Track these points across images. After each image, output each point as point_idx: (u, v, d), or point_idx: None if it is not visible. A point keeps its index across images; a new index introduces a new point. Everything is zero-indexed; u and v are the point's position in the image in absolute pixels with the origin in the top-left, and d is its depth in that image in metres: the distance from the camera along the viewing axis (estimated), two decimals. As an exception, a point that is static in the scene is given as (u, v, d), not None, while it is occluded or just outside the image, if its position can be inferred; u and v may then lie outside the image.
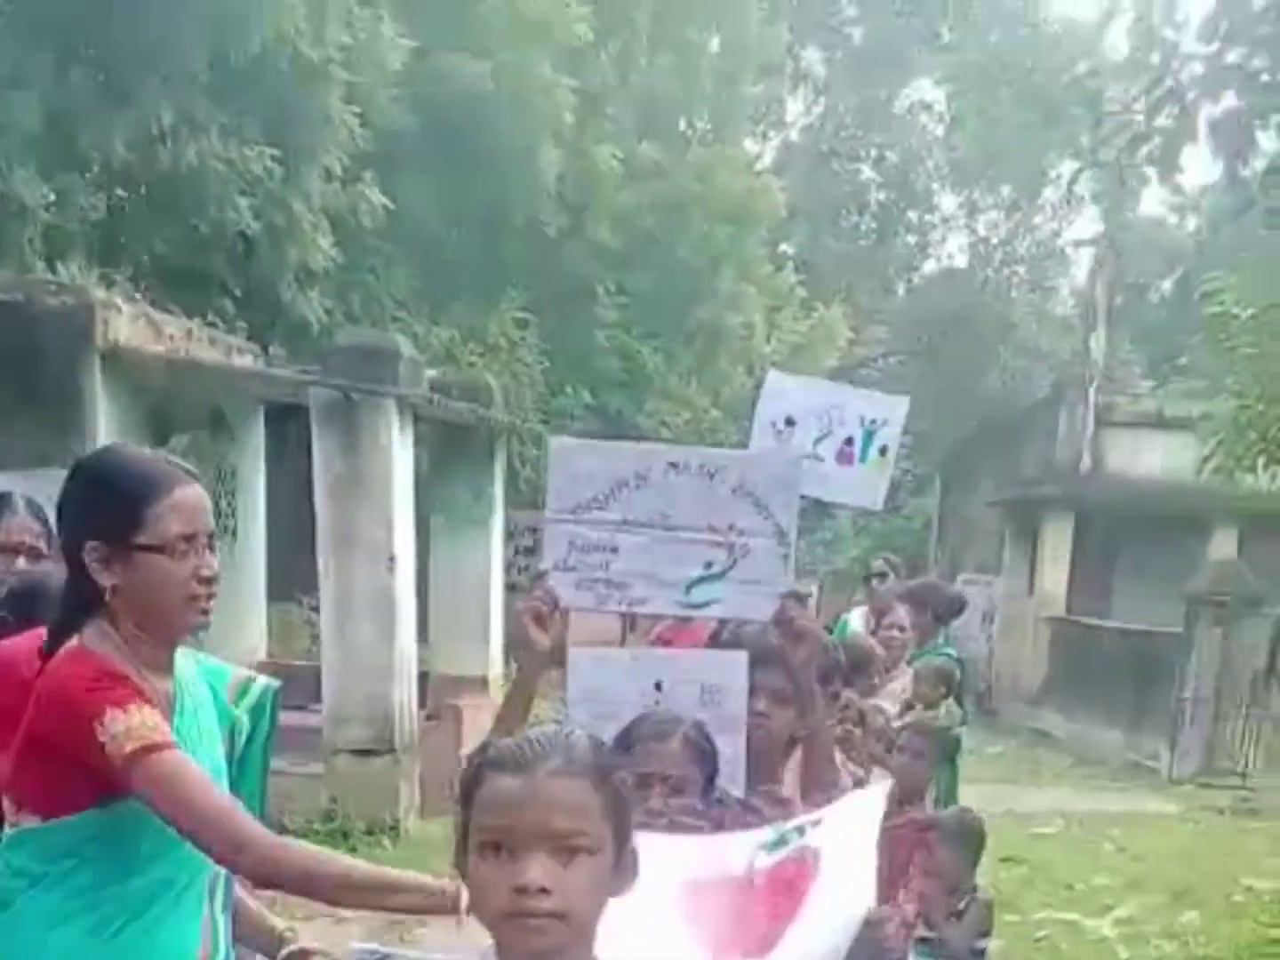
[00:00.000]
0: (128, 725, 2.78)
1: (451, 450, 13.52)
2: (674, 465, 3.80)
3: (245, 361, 12.41)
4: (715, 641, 4.22)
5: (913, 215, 37.40)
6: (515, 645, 3.61)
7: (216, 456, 11.95)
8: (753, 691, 3.82)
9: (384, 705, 10.84)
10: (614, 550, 3.76)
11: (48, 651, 2.95)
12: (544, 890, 2.04)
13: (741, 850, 3.51)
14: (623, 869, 2.18)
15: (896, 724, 7.24)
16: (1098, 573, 24.58)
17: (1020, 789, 17.10)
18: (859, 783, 4.47)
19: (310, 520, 10.73)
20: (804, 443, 4.48)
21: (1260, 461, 11.20)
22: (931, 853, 5.96)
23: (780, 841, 3.52)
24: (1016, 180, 32.82)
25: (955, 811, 6.43)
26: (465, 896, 2.43)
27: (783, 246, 30.30)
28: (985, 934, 6.20)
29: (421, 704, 11.66)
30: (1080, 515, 24.15)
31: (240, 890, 3.26)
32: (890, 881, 4.84)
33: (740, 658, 3.81)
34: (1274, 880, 11.56)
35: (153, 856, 2.93)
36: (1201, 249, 27.92)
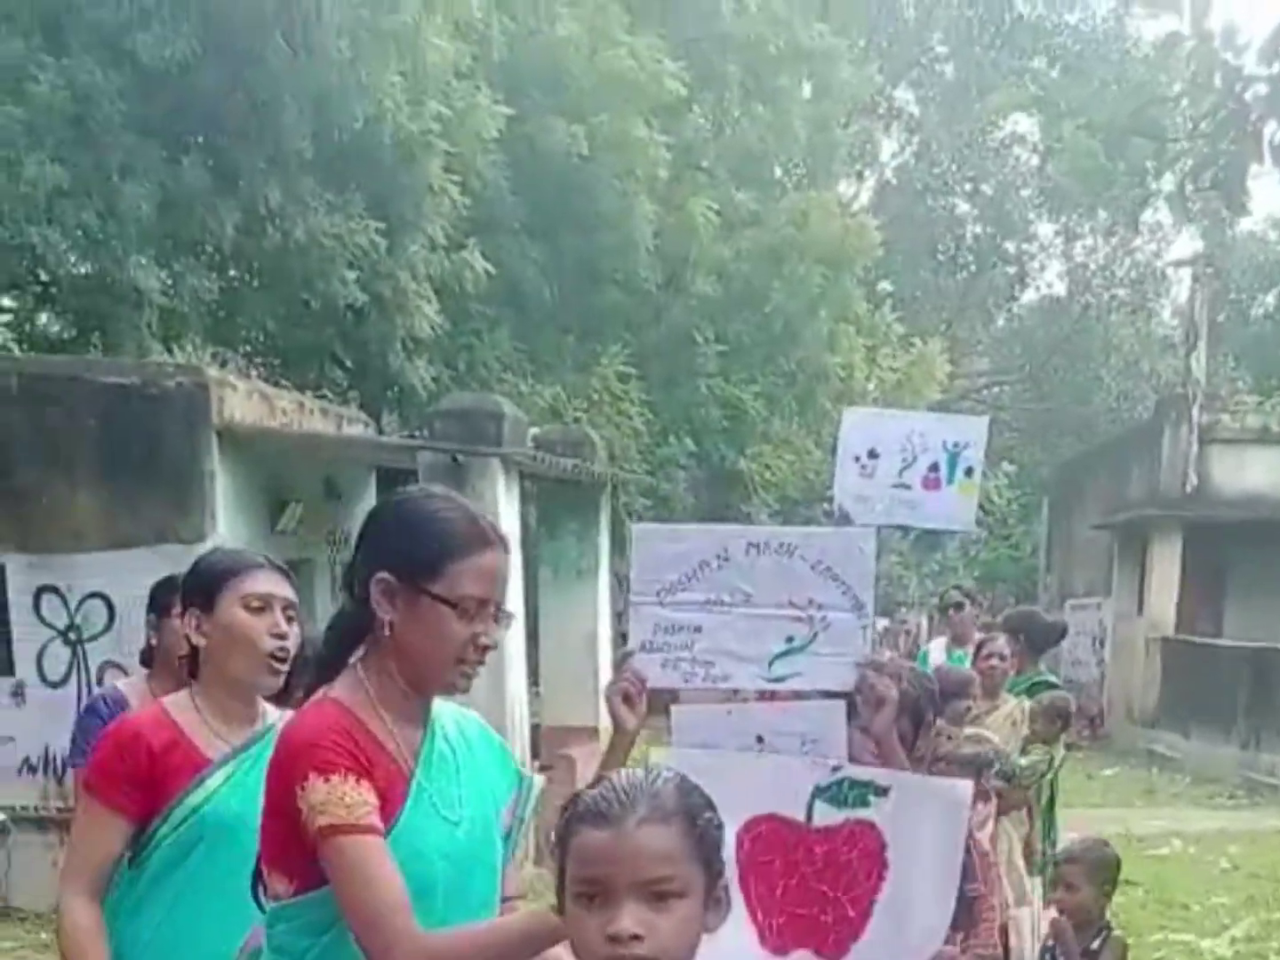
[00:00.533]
0: (325, 797, 2.66)
1: (558, 505, 13.60)
2: (754, 545, 3.82)
3: (356, 430, 12.57)
4: None
5: (1010, 246, 37.02)
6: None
7: (330, 522, 12.10)
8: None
9: (498, 758, 10.86)
10: (698, 629, 3.80)
11: (306, 695, 2.90)
12: (636, 937, 2.08)
13: (798, 782, 3.57)
14: (714, 905, 2.21)
15: (1018, 761, 7.22)
16: (1208, 590, 24.22)
17: (1135, 811, 16.85)
18: None
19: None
20: (889, 473, 4.47)
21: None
22: (1066, 888, 5.77)
23: (840, 792, 3.57)
24: (1111, 205, 32.47)
25: (1090, 843, 6.09)
26: None
27: (881, 284, 30.16)
28: (1119, 973, 5.91)
29: (534, 754, 11.69)
30: (1188, 534, 23.82)
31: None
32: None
33: (838, 707, 3.83)
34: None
35: None
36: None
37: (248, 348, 12.77)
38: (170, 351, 11.76)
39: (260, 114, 12.37)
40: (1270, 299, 35.52)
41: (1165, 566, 24.12)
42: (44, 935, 8.89)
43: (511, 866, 3.15)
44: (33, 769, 9.89)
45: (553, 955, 2.69)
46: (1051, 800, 8.12)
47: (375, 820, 2.70)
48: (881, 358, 22.69)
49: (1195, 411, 24.25)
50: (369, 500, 12.76)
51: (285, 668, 3.59)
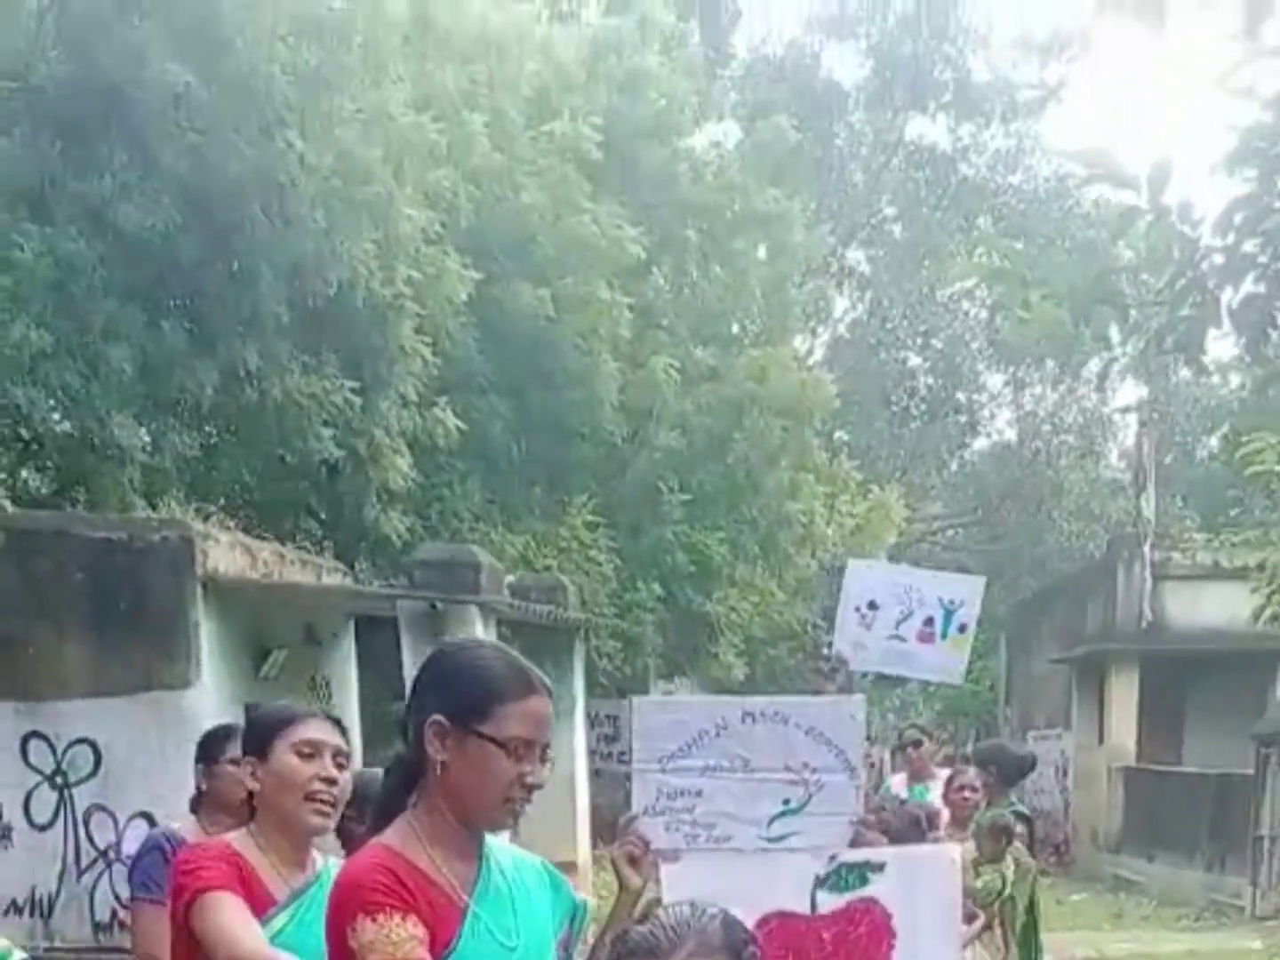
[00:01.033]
0: (374, 937, 2.74)
1: (533, 648, 13.54)
2: (749, 714, 4.01)
3: (334, 579, 12.61)
4: None
5: (961, 395, 37.51)
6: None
7: (311, 668, 12.10)
8: None
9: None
10: (699, 794, 3.94)
11: (364, 840, 2.98)
12: None
13: (798, 879, 3.67)
14: None
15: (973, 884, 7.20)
16: (1167, 720, 24.30)
17: (1105, 934, 16.77)
18: None
19: (403, 722, 10.77)
20: (887, 624, 4.58)
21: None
22: None
23: (839, 879, 3.68)
24: (1058, 356, 32.94)
25: None
26: None
27: (838, 434, 30.48)
28: None
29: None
30: (1145, 667, 23.98)
31: None
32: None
33: (843, 839, 3.95)
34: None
35: None
36: (1244, 404, 27.88)
37: (227, 501, 12.82)
38: (153, 506, 11.82)
39: (238, 280, 12.52)
40: (1214, 440, 35.94)
41: (1124, 698, 24.24)
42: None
43: None
44: (19, 910, 9.79)
45: None
46: (1035, 924, 8.13)
47: (423, 954, 2.79)
48: (841, 504, 22.92)
49: (1147, 549, 24.53)
50: (348, 646, 12.77)
51: (334, 810, 3.67)
